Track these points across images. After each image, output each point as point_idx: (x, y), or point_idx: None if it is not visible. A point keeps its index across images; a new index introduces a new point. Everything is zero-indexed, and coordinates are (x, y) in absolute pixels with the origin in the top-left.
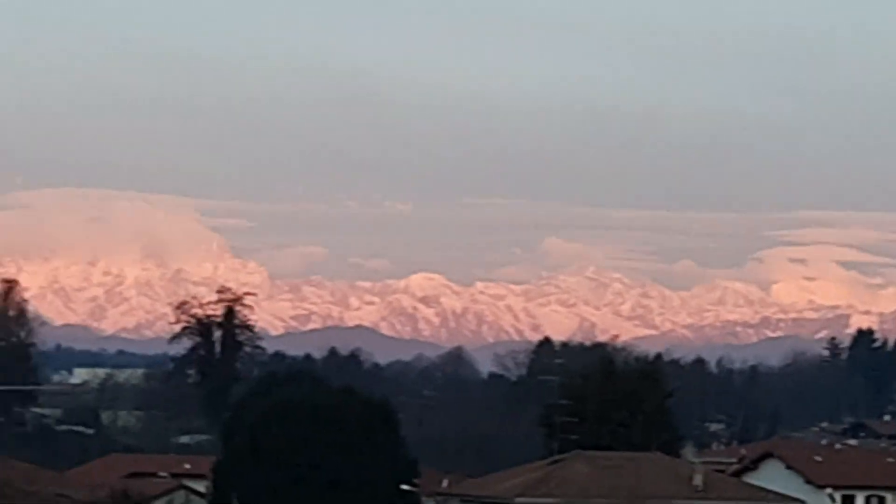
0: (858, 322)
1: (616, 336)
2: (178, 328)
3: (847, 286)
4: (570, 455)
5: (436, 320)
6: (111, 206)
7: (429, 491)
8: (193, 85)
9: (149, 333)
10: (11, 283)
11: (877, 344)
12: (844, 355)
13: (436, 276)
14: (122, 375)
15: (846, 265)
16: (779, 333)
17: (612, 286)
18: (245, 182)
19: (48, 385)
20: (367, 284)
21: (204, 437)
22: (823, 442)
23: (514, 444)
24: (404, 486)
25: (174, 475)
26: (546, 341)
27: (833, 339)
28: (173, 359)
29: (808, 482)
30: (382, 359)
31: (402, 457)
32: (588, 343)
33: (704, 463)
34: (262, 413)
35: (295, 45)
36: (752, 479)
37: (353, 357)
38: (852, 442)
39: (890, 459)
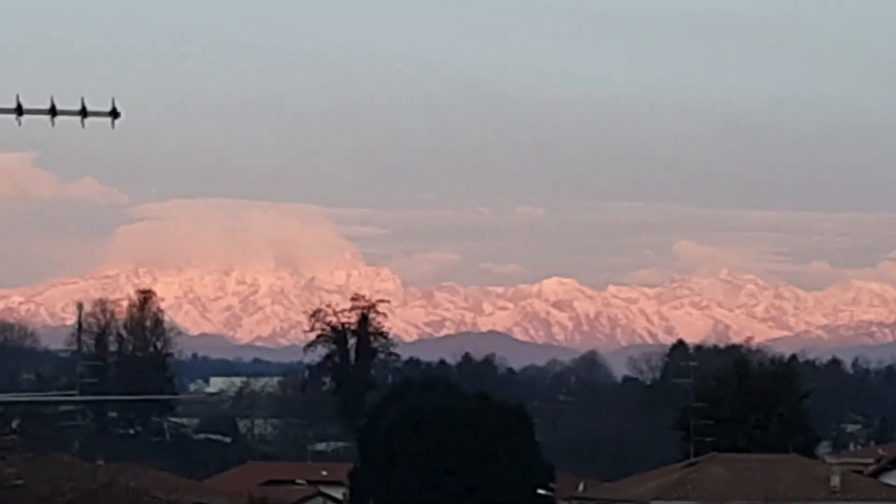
0: None
1: (750, 338)
2: (312, 336)
3: None
4: (706, 458)
5: (569, 325)
6: (245, 216)
7: (564, 495)
8: (326, 93)
9: (284, 342)
10: (147, 294)
11: None
12: None
13: (568, 280)
14: (258, 384)
15: None
16: None
17: (746, 288)
18: (377, 190)
19: (185, 394)
20: (500, 290)
21: (340, 443)
22: None
23: (649, 448)
24: (540, 491)
25: (311, 482)
26: (680, 344)
27: None
28: (308, 367)
29: None
30: (516, 364)
31: (537, 461)
32: (722, 345)
33: (841, 464)
34: (397, 419)
35: (427, 51)
36: (889, 479)
37: (487, 362)
38: None
39: None
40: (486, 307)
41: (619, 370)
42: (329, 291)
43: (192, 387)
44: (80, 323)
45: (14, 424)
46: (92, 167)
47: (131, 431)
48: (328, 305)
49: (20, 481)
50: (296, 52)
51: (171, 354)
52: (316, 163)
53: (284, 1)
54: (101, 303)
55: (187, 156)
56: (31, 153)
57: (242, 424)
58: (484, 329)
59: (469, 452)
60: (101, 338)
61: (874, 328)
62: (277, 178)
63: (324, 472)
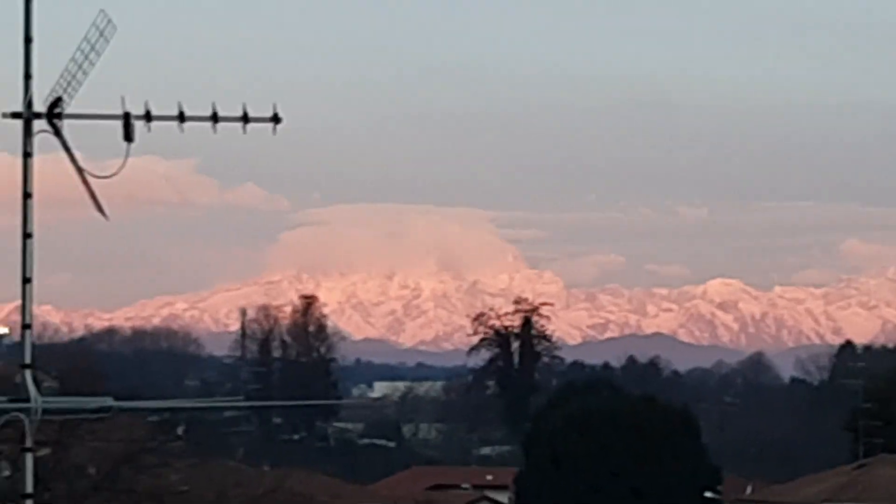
0: None
1: None
2: (476, 340)
3: None
4: (876, 459)
5: (734, 326)
6: (407, 220)
7: (732, 498)
8: (486, 97)
9: (447, 346)
10: (310, 300)
11: None
12: None
13: (733, 281)
14: (422, 388)
15: None
16: None
17: None
18: (538, 192)
19: (349, 399)
20: (664, 291)
21: (505, 447)
22: None
23: (817, 449)
24: (707, 494)
25: (476, 486)
26: (848, 344)
27: None
28: (472, 370)
29: None
30: (681, 366)
31: (704, 464)
32: (891, 345)
33: None
34: (561, 423)
35: (582, 52)
36: None
37: (652, 365)
38: None
39: None
40: (651, 309)
41: (786, 371)
42: (492, 295)
43: (355, 392)
44: (243, 329)
45: (179, 431)
46: (253, 173)
47: (296, 437)
48: (491, 309)
49: (186, 488)
50: (455, 57)
51: (334, 359)
52: (477, 166)
53: (442, 8)
54: (265, 308)
55: (349, 160)
56: (193, 160)
57: (406, 429)
58: (648, 331)
59: (634, 455)
60: (264, 343)
61: None
62: (439, 182)
63: (488, 477)
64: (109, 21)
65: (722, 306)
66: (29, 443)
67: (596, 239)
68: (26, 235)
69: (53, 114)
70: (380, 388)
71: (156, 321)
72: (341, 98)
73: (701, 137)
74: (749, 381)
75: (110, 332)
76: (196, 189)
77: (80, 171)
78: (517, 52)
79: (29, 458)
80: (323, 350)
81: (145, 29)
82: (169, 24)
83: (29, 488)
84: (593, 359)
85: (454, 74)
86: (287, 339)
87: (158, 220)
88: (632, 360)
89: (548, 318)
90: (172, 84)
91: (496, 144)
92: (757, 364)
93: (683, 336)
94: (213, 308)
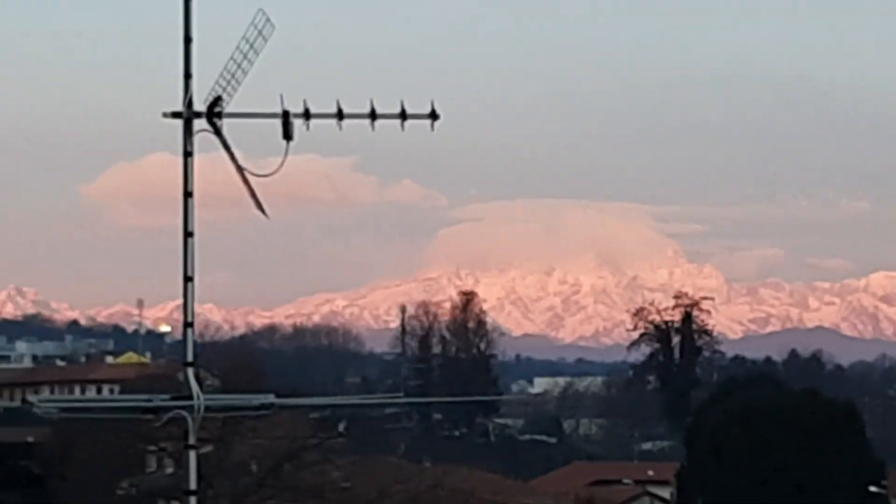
0: None
1: None
2: (636, 335)
3: None
4: None
5: None
6: (564, 216)
7: None
8: (643, 92)
9: (607, 341)
10: (470, 296)
11: None
12: None
13: None
14: (582, 384)
15: None
16: None
17: None
18: (697, 187)
19: (509, 395)
20: (826, 285)
21: (666, 443)
22: None
23: None
24: (872, 488)
25: (638, 482)
26: None
27: None
28: (632, 366)
29: None
30: (844, 360)
31: (868, 458)
32: None
33: None
34: (724, 417)
35: (744, 44)
36: None
37: (815, 359)
38: None
39: None
40: (812, 303)
41: None
42: (651, 290)
43: (514, 387)
44: (403, 325)
45: (341, 428)
46: (412, 170)
47: (456, 433)
48: (651, 304)
49: (347, 484)
50: (614, 50)
51: (494, 355)
52: (634, 160)
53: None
54: (424, 305)
55: (506, 156)
56: (352, 157)
57: (567, 424)
58: (810, 325)
59: (797, 449)
60: (424, 340)
61: None
62: (596, 177)
63: (650, 472)
64: (268, 20)
65: (885, 299)
66: (192, 440)
67: (756, 233)
68: (187, 234)
69: (213, 113)
70: (540, 384)
71: (316, 318)
72: (498, 94)
73: (863, 130)
74: None
75: (271, 329)
76: (355, 186)
77: (240, 169)
78: (676, 45)
79: (192, 455)
80: (483, 346)
81: (303, 27)
82: (327, 21)
83: (192, 485)
84: (755, 353)
85: (612, 68)
86: (447, 335)
87: (317, 218)
88: (794, 354)
89: (708, 312)
90: (330, 82)
91: (654, 138)
92: None
93: (846, 329)
94: (372, 305)
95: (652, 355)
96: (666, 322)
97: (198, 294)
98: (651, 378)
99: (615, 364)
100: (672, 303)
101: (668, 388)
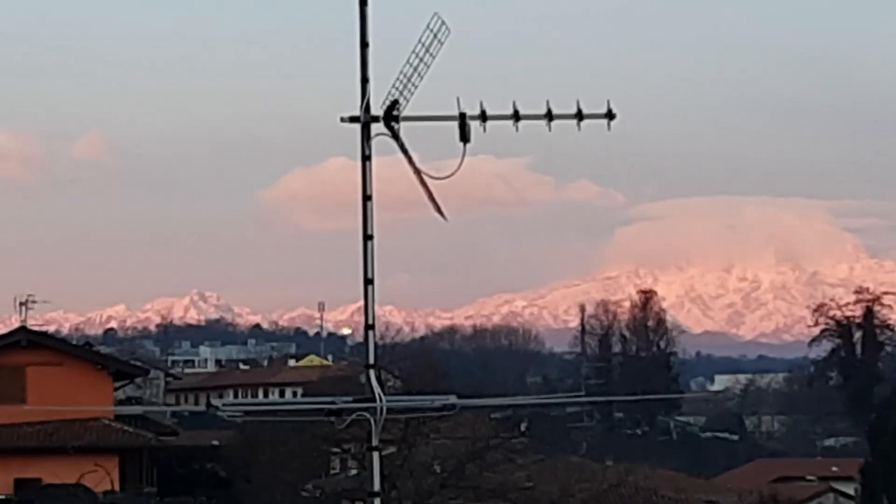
0: None
1: None
2: (816, 331)
3: None
4: None
5: None
6: (743, 212)
7: None
8: (821, 84)
9: (787, 338)
10: (649, 294)
11: None
12: None
13: None
14: (764, 380)
15: None
16: None
17: None
18: (876, 180)
19: (690, 393)
20: None
21: (849, 439)
22: None
23: None
24: None
25: (822, 478)
26: None
27: None
28: (814, 362)
29: None
30: None
31: None
32: None
33: None
34: None
35: None
36: None
37: None
38: None
39: None
40: None
41: None
42: (832, 285)
43: (695, 385)
44: (583, 325)
45: (522, 427)
46: (588, 169)
47: (638, 431)
48: (832, 299)
49: (530, 484)
50: (787, 46)
51: (674, 353)
52: (812, 155)
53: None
54: (604, 304)
55: (682, 153)
56: (527, 158)
57: (749, 422)
58: None
59: None
60: (604, 339)
61: None
62: (774, 173)
63: (834, 468)
64: (443, 23)
65: None
66: (375, 441)
67: None
68: (367, 237)
69: (391, 116)
70: (721, 381)
71: (496, 319)
72: (673, 91)
73: None
74: None
75: (451, 330)
76: (531, 187)
77: (417, 172)
78: (855, 41)
79: (375, 456)
80: (663, 344)
81: (479, 29)
82: (502, 23)
83: (376, 486)
84: None
85: (784, 64)
86: (626, 333)
87: (494, 219)
88: None
89: (890, 307)
90: (506, 83)
91: (832, 132)
92: None
93: None
94: (551, 305)
95: (833, 351)
96: (847, 317)
97: (378, 296)
98: (833, 374)
99: (796, 360)
100: (853, 298)
101: (851, 384)
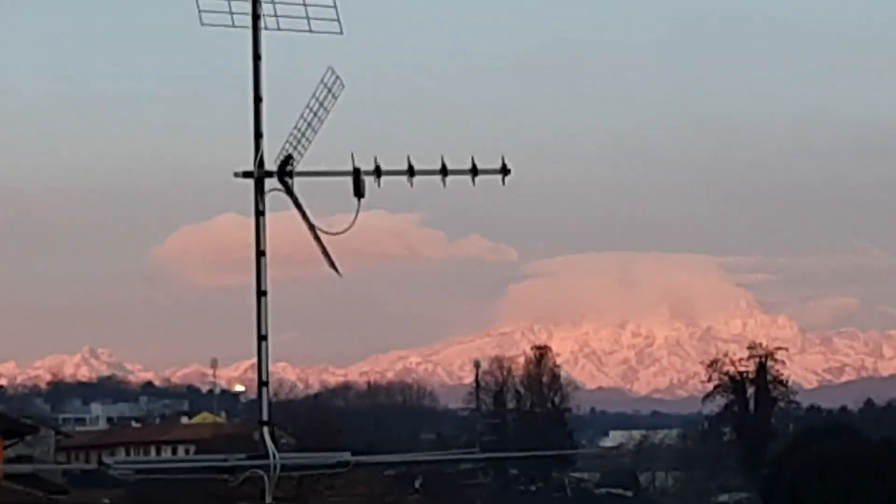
0: None
1: None
2: (710, 387)
3: None
4: None
5: None
6: (635, 268)
7: None
8: (709, 140)
9: (681, 393)
10: (543, 350)
11: None
12: None
13: None
14: (658, 436)
15: None
16: None
17: None
18: (767, 236)
19: (584, 449)
20: None
21: (743, 494)
22: None
23: None
24: None
25: None
26: None
27: None
28: (707, 417)
29: None
30: None
31: None
32: None
33: None
34: (801, 468)
35: (803, 95)
36: None
37: (891, 407)
38: None
39: None
40: (887, 351)
41: None
42: (725, 341)
43: (587, 441)
44: (477, 381)
45: (417, 484)
46: (480, 225)
47: (532, 488)
48: (725, 355)
49: None
50: (676, 104)
51: (569, 409)
52: (702, 211)
53: (687, 53)
54: (498, 360)
55: (575, 209)
56: (420, 213)
57: (643, 477)
58: (885, 374)
59: (876, 500)
60: (498, 395)
61: None
62: (665, 229)
63: None
64: (337, 77)
65: None
66: (268, 499)
67: (828, 282)
68: (260, 293)
69: (284, 172)
70: (615, 437)
71: (390, 375)
72: (565, 148)
73: None
74: None
75: (345, 387)
76: (423, 242)
77: (312, 228)
78: (741, 94)
79: None
80: (557, 400)
81: (374, 83)
82: (396, 78)
83: None
84: (830, 403)
85: (675, 121)
86: (521, 389)
87: (388, 275)
88: (869, 404)
89: (783, 362)
90: (401, 137)
91: (721, 188)
92: None
93: None
94: (446, 361)
95: (727, 406)
96: (740, 373)
97: (272, 353)
98: (727, 429)
99: (690, 416)
100: (746, 353)
101: (744, 440)
